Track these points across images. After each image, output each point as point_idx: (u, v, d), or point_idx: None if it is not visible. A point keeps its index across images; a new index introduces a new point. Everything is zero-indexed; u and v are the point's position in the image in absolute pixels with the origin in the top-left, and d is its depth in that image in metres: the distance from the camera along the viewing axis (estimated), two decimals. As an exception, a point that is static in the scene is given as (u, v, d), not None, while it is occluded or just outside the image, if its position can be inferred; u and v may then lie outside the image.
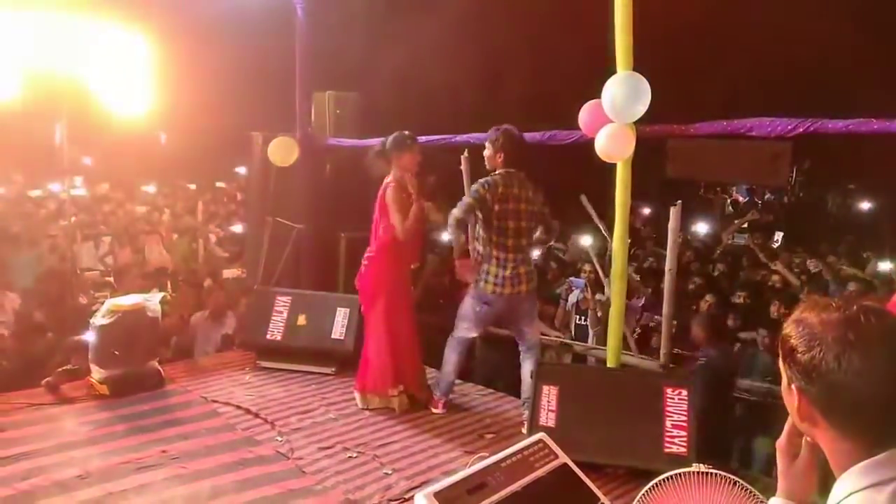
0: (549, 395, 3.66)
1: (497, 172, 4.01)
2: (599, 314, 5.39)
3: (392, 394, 4.24)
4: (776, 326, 4.76)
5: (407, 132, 4.25)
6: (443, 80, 7.58)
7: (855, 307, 1.06)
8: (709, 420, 3.76)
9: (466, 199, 3.96)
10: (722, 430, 4.34)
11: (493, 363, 5.33)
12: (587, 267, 5.98)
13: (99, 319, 4.41)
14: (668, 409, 3.49)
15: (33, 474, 3.31)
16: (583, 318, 5.66)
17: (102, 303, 6.43)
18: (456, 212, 3.94)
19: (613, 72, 3.86)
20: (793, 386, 1.11)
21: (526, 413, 3.95)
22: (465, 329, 4.18)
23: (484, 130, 4.65)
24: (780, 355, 1.15)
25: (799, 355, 1.07)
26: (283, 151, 5.79)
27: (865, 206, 13.68)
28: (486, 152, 4.10)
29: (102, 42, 5.68)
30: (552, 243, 7.49)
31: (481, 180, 4.01)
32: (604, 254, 7.30)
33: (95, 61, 5.71)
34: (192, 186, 10.78)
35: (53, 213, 9.37)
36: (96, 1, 5.44)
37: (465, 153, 5.14)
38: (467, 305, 4.14)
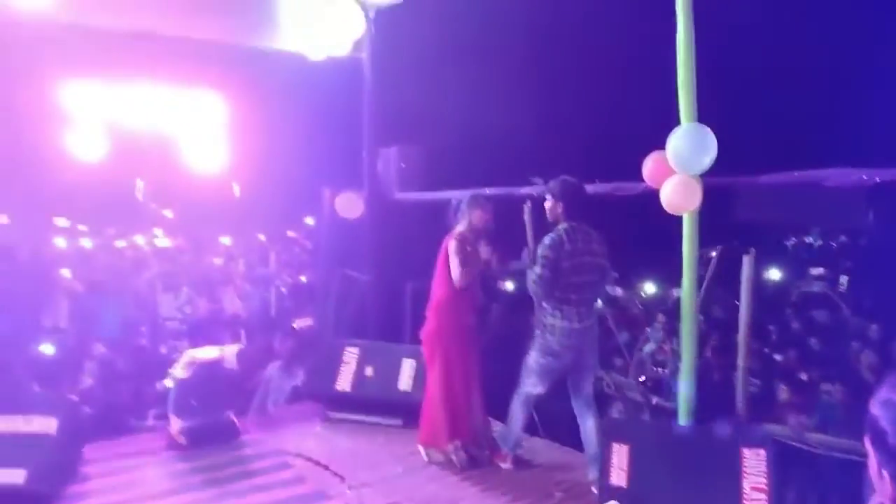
0: (620, 453, 3.58)
1: (561, 227, 4.02)
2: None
3: (448, 450, 4.24)
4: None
5: (482, 193, 4.37)
6: (506, 130, 7.69)
7: None
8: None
9: (539, 271, 3.89)
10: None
11: (560, 415, 5.26)
12: (661, 317, 5.86)
13: (177, 371, 4.61)
14: (746, 470, 3.36)
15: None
16: (661, 368, 5.51)
17: (181, 352, 6.73)
18: (541, 272, 3.87)
19: (678, 120, 3.85)
20: (884, 471, 1.08)
21: (593, 471, 3.87)
22: (531, 384, 4.14)
23: (548, 180, 4.69)
24: (868, 437, 1.13)
25: (891, 439, 1.05)
26: (350, 206, 5.99)
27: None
28: (547, 204, 4.15)
29: (182, 103, 6.09)
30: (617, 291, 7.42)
31: (546, 241, 3.98)
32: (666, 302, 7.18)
33: (176, 120, 6.12)
34: (263, 237, 11.21)
35: (136, 263, 9.88)
36: (177, 66, 5.81)
37: (528, 203, 5.17)
38: (532, 360, 4.12)
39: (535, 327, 4.15)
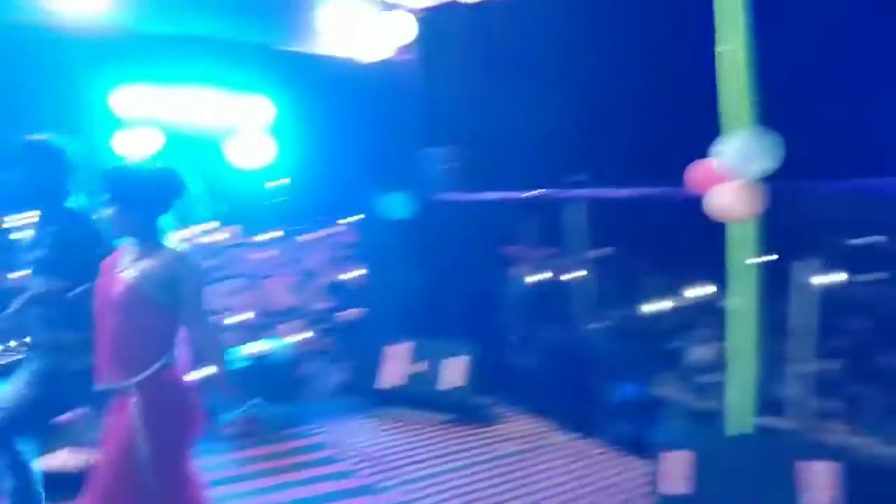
0: (679, 460, 3.48)
1: None
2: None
3: None
4: None
5: None
6: (547, 132, 7.65)
7: None
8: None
9: None
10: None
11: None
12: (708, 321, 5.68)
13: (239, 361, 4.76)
14: (811, 483, 3.23)
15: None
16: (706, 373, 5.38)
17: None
18: None
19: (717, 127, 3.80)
20: None
21: None
22: None
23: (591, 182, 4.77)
24: None
25: None
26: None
27: None
28: None
29: (231, 105, 6.23)
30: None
31: None
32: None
33: (225, 121, 6.27)
34: (311, 234, 11.31)
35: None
36: (226, 70, 5.92)
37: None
38: None
39: None
